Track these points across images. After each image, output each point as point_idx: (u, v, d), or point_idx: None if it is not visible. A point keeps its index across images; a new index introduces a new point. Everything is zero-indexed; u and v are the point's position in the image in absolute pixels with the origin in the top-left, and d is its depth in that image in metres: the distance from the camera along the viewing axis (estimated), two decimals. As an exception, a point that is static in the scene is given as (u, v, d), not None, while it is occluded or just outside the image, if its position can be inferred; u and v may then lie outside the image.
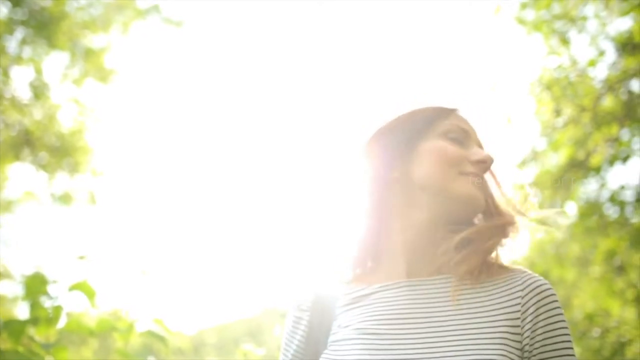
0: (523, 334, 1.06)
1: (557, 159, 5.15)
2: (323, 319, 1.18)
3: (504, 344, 1.04)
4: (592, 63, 4.37)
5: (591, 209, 5.95)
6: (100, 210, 6.62)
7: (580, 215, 6.11)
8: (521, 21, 5.57)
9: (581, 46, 5.13)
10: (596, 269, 6.33)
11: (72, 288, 2.41)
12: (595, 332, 4.88)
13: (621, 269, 5.77)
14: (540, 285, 1.11)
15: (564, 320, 1.11)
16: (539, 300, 1.08)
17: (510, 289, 1.10)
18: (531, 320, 1.07)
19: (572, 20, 4.79)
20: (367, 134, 1.19)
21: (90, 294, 2.50)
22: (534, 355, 1.06)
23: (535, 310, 1.07)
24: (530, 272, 1.13)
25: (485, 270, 1.12)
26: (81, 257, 6.22)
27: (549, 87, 4.46)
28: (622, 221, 5.52)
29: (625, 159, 5.19)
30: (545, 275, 6.75)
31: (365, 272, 1.21)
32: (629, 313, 5.91)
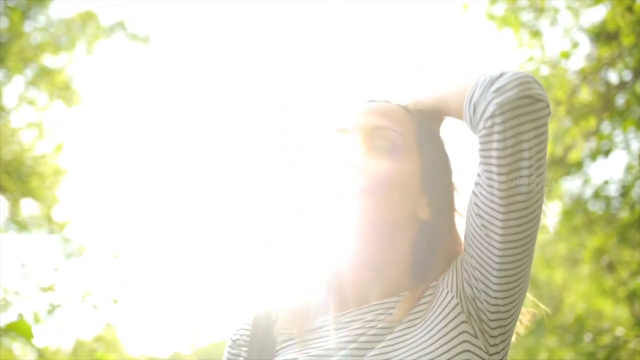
0: (464, 304, 0.97)
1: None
2: (262, 356, 1.07)
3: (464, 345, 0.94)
4: (564, 54, 4.18)
5: (575, 206, 5.77)
6: (65, 237, 6.36)
7: (564, 213, 5.93)
8: (491, 17, 5.40)
9: (554, 39, 4.98)
10: (585, 268, 6.14)
11: (7, 328, 2.18)
12: (587, 336, 4.66)
13: (611, 267, 5.56)
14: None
15: None
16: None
17: (442, 291, 1.01)
18: (454, 287, 1.00)
19: (542, 12, 4.61)
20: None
21: (27, 334, 2.26)
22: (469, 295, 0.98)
23: (451, 278, 1.01)
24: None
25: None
26: (48, 289, 5.83)
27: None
28: (608, 217, 5.33)
29: (607, 153, 5.01)
30: (532, 277, 6.59)
31: (314, 304, 1.11)
32: (622, 312, 5.71)
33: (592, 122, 4.14)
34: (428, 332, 0.96)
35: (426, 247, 1.08)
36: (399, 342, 0.97)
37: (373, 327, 1.00)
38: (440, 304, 0.98)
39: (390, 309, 1.02)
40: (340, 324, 1.03)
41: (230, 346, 1.11)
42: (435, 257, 1.08)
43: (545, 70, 4.23)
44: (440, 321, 0.96)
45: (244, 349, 1.09)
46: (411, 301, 1.01)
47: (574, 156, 4.44)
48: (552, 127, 4.47)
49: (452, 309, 0.96)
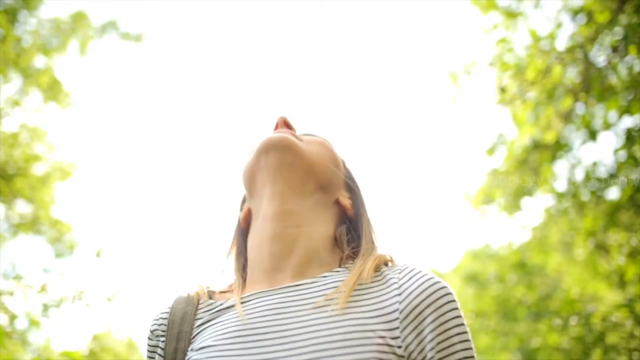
0: (405, 339, 0.89)
1: (521, 142, 4.90)
2: (179, 344, 1.03)
3: (378, 351, 0.87)
4: (534, 34, 4.12)
5: (569, 190, 5.70)
6: (56, 237, 6.40)
7: (557, 197, 5.85)
8: (475, 1, 5.34)
9: (538, 20, 4.92)
10: (580, 252, 6.07)
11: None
12: (573, 319, 4.61)
13: (604, 250, 5.48)
14: (423, 283, 0.93)
15: (459, 325, 0.91)
16: (423, 302, 0.91)
17: (386, 289, 0.95)
18: (416, 328, 0.90)
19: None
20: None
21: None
22: None
23: (419, 316, 0.90)
24: (411, 268, 0.98)
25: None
26: (41, 290, 5.88)
27: (500, 65, 4.21)
28: (597, 200, 5.24)
29: (593, 134, 4.93)
30: (526, 262, 6.56)
31: (235, 285, 1.10)
32: (616, 295, 5.63)
33: (567, 103, 4.08)
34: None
35: (347, 235, 1.10)
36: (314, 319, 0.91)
37: (293, 305, 0.96)
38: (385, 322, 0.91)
39: (305, 291, 0.98)
40: (253, 301, 1.00)
41: (149, 337, 1.08)
42: (357, 253, 1.06)
43: (521, 51, 4.17)
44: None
45: (162, 339, 1.05)
46: (347, 295, 0.94)
47: (549, 137, 4.38)
48: (525, 108, 4.43)
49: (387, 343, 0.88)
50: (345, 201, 1.12)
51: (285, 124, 1.14)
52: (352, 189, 1.16)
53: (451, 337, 0.89)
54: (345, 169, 1.18)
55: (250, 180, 1.10)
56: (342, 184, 1.14)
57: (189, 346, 1.01)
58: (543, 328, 5.28)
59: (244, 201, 1.19)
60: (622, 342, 4.26)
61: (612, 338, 4.38)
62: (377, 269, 0.99)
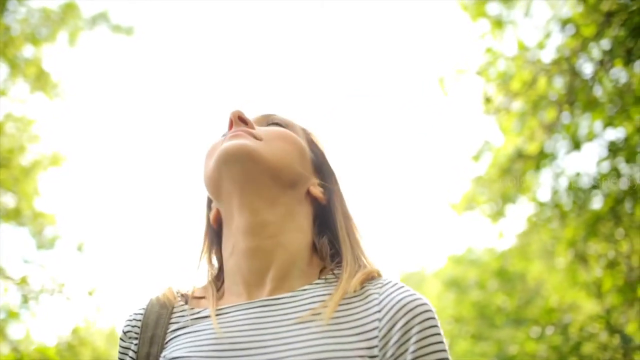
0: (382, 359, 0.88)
1: (505, 150, 4.93)
2: (151, 349, 1.01)
3: None
4: (522, 46, 4.14)
5: (553, 200, 5.73)
6: (37, 229, 6.36)
7: (539, 206, 5.89)
8: (465, 7, 5.36)
9: (527, 29, 4.96)
10: (561, 261, 6.12)
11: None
12: (549, 329, 4.64)
13: (584, 261, 5.52)
14: (401, 300, 0.92)
15: (437, 342, 0.90)
16: (400, 320, 0.90)
17: (366, 305, 0.94)
18: (393, 346, 0.89)
19: (508, 1, 4.56)
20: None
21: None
22: None
23: (397, 333, 0.89)
24: (393, 283, 0.97)
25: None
26: (21, 281, 5.85)
27: (485, 75, 4.22)
28: (579, 210, 5.28)
29: (577, 145, 4.97)
30: (507, 269, 6.60)
31: (209, 294, 1.06)
32: (594, 305, 5.68)
33: (552, 114, 4.10)
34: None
35: (325, 233, 1.07)
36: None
37: (272, 320, 0.94)
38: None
39: (281, 306, 0.96)
40: (230, 314, 0.98)
41: (121, 338, 1.05)
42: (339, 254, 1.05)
43: (508, 62, 4.19)
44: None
45: (135, 341, 1.03)
46: (331, 311, 0.93)
47: (532, 148, 4.41)
48: (509, 119, 4.45)
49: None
50: (316, 190, 1.08)
51: (241, 119, 1.08)
52: (322, 174, 1.11)
53: (428, 354, 0.89)
54: (314, 152, 1.12)
55: (215, 189, 1.05)
56: (311, 173, 1.09)
57: (161, 352, 1.00)
58: (521, 335, 5.31)
59: (211, 199, 1.15)
60: (598, 352, 4.30)
61: (587, 348, 4.42)
62: (362, 284, 0.98)
